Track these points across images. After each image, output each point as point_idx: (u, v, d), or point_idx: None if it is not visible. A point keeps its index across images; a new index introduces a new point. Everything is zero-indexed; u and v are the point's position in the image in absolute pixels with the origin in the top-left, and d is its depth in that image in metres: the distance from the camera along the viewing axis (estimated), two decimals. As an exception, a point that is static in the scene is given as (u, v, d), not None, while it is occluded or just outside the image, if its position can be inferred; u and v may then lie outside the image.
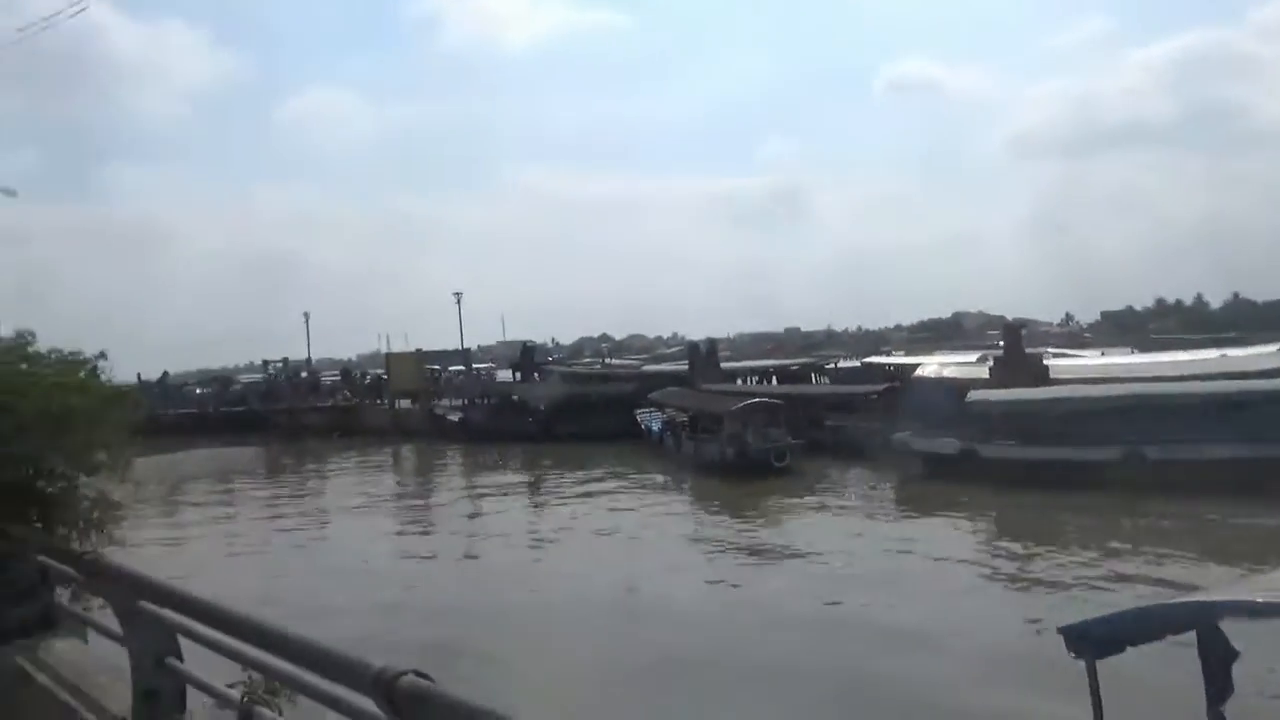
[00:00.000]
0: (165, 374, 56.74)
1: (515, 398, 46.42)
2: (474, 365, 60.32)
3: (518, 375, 51.49)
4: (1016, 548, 18.67)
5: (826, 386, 39.17)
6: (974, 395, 26.36)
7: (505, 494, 28.38)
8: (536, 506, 26.19)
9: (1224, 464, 21.46)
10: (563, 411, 41.16)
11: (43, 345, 6.17)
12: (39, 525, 5.37)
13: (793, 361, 53.47)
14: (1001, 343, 33.84)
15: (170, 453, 38.82)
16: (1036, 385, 26.83)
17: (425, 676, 2.13)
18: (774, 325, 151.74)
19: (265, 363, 62.16)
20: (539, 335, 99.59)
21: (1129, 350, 46.95)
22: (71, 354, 6.05)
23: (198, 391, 56.89)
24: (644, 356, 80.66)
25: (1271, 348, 35.81)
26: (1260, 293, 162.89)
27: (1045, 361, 30.07)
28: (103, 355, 6.11)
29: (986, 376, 28.54)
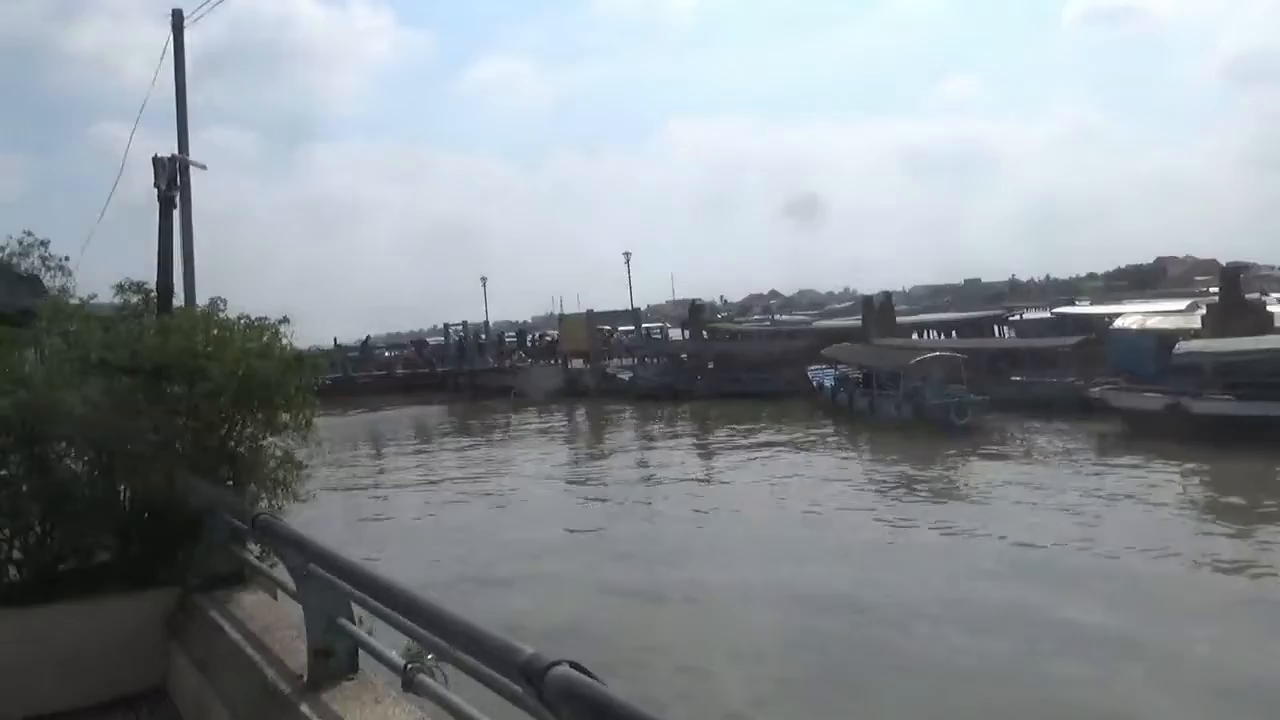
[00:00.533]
0: (367, 338, 60.38)
1: (685, 356, 46.52)
2: (644, 325, 60.86)
3: (687, 334, 51.57)
4: (1240, 512, 16.92)
5: (1012, 340, 36.95)
6: (1183, 346, 24.06)
7: (678, 450, 28.46)
8: (711, 468, 25.79)
9: None
10: (733, 368, 40.91)
11: (233, 312, 6.45)
12: (230, 483, 5.62)
13: (973, 314, 50.83)
14: (1214, 289, 30.75)
15: (369, 411, 41.75)
16: (1258, 335, 24.14)
17: (579, 668, 1.96)
18: (953, 277, 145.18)
19: (446, 326, 64.95)
20: (707, 294, 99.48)
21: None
22: (257, 320, 6.28)
23: (387, 354, 60.25)
24: (814, 312, 78.92)
25: None
26: None
27: (1270, 309, 27.01)
28: (285, 320, 6.31)
29: (1198, 326, 25.98)
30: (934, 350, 31.44)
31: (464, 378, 52.24)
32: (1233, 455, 20.05)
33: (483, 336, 62.24)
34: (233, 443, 5.85)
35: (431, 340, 64.96)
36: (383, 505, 22.45)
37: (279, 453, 5.98)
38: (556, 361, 53.86)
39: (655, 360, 47.60)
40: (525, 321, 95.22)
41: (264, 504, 5.50)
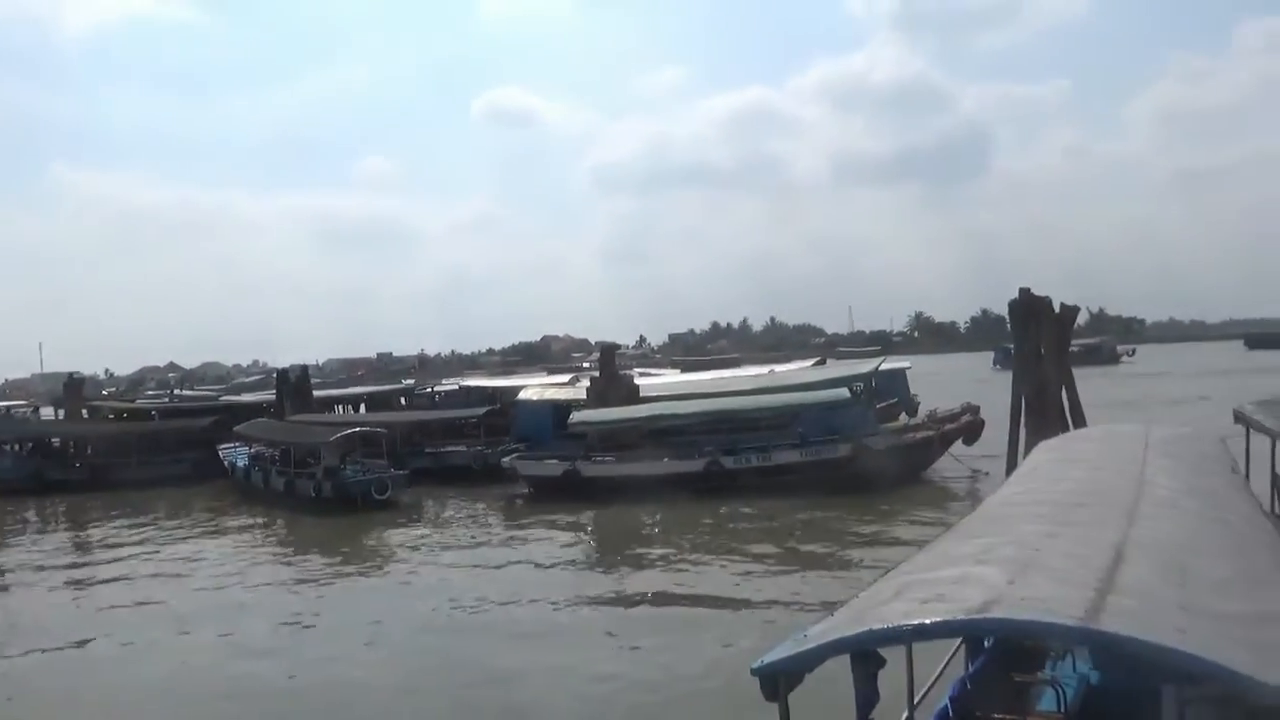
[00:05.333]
0: None
1: (57, 440, 39.30)
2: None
3: (63, 413, 43.82)
4: (608, 556, 19.75)
5: (427, 412, 38.36)
6: (576, 415, 27.31)
7: (39, 554, 23.48)
8: (83, 578, 21.32)
9: (784, 467, 24.56)
10: (122, 453, 35.64)
11: None
12: None
13: (388, 387, 52.01)
14: (586, 364, 35.66)
15: None
16: (629, 403, 28.49)
17: None
18: (367, 351, 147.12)
19: None
20: (87, 366, 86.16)
21: (677, 370, 52.11)
22: None
23: None
24: (221, 387, 73.50)
25: (808, 363, 42.07)
26: (790, 317, 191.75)
27: (635, 381, 32.06)
28: None
29: (584, 397, 29.74)
30: (353, 425, 31.12)
31: None
32: (614, 508, 23.26)
33: None
34: None
35: None
36: None
37: None
38: None
39: (16, 447, 39.26)
40: None
41: None
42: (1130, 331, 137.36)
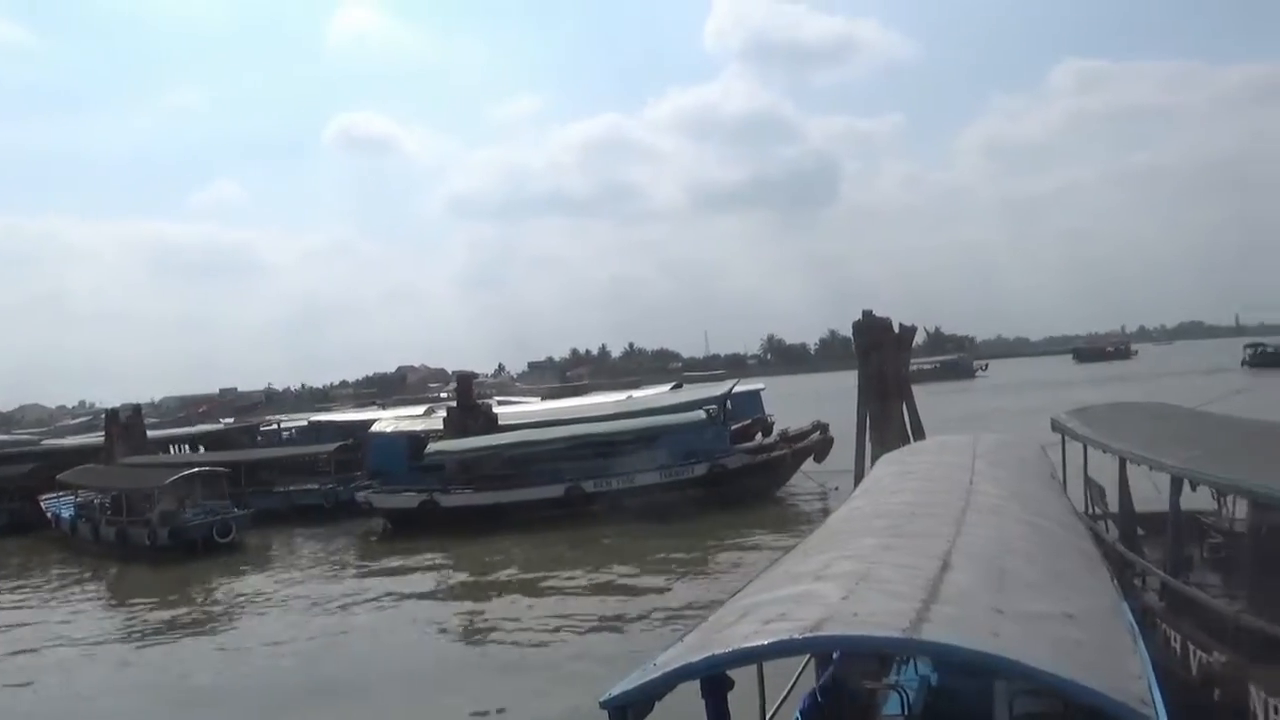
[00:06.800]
0: None
1: None
2: None
3: None
4: (465, 590, 19.23)
5: (274, 449, 36.62)
6: (432, 447, 26.73)
7: None
8: None
9: (645, 489, 24.79)
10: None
11: None
12: None
13: (232, 425, 49.42)
14: (444, 394, 35.03)
15: None
16: (487, 433, 28.11)
17: None
18: (208, 386, 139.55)
19: None
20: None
21: (537, 398, 51.97)
22: None
23: None
24: (42, 430, 68.04)
25: (665, 388, 42.68)
26: (648, 343, 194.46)
27: (494, 410, 31.70)
28: None
29: (440, 428, 29.15)
30: (192, 466, 29.35)
31: None
32: (474, 540, 22.82)
33: None
34: None
35: None
36: None
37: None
38: None
39: None
40: None
41: None
42: (963, 349, 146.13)
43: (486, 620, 16.34)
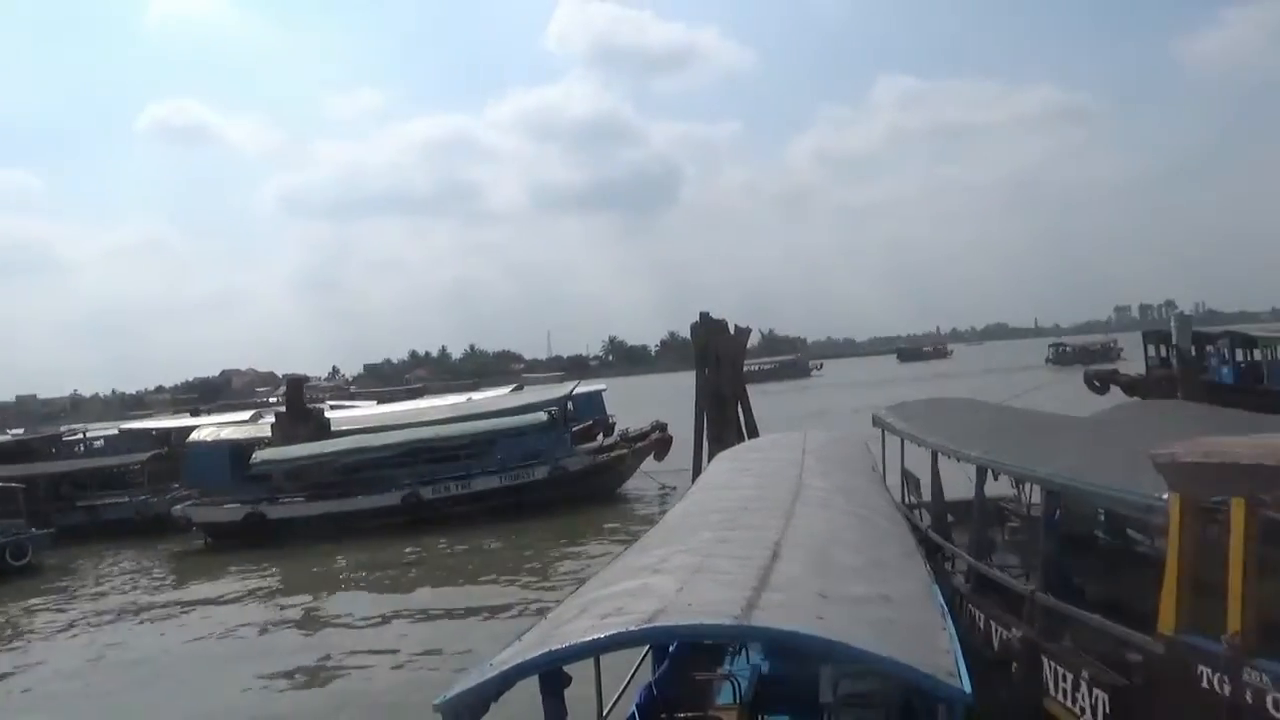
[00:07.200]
0: None
1: None
2: None
3: None
4: (292, 607, 17.89)
5: (79, 460, 33.80)
6: (258, 455, 25.40)
7: None
8: None
9: (485, 494, 24.50)
10: None
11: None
12: None
13: (28, 435, 45.21)
14: (273, 399, 33.39)
15: None
16: (319, 439, 26.99)
17: None
18: (2, 394, 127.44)
19: None
20: None
21: (373, 402, 50.36)
22: None
23: None
24: None
25: (506, 390, 42.33)
26: (490, 345, 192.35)
27: (326, 415, 30.48)
28: None
29: (269, 435, 27.75)
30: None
31: None
32: (304, 553, 21.83)
33: None
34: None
35: None
36: None
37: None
38: None
39: None
40: None
41: None
42: (795, 350, 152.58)
43: (315, 641, 15.40)
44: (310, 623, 16.78)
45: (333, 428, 28.45)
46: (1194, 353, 28.26)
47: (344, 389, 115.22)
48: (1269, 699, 4.74)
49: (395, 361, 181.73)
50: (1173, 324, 30.02)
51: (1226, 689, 4.99)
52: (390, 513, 23.80)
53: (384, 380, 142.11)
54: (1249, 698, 4.85)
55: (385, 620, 15.88)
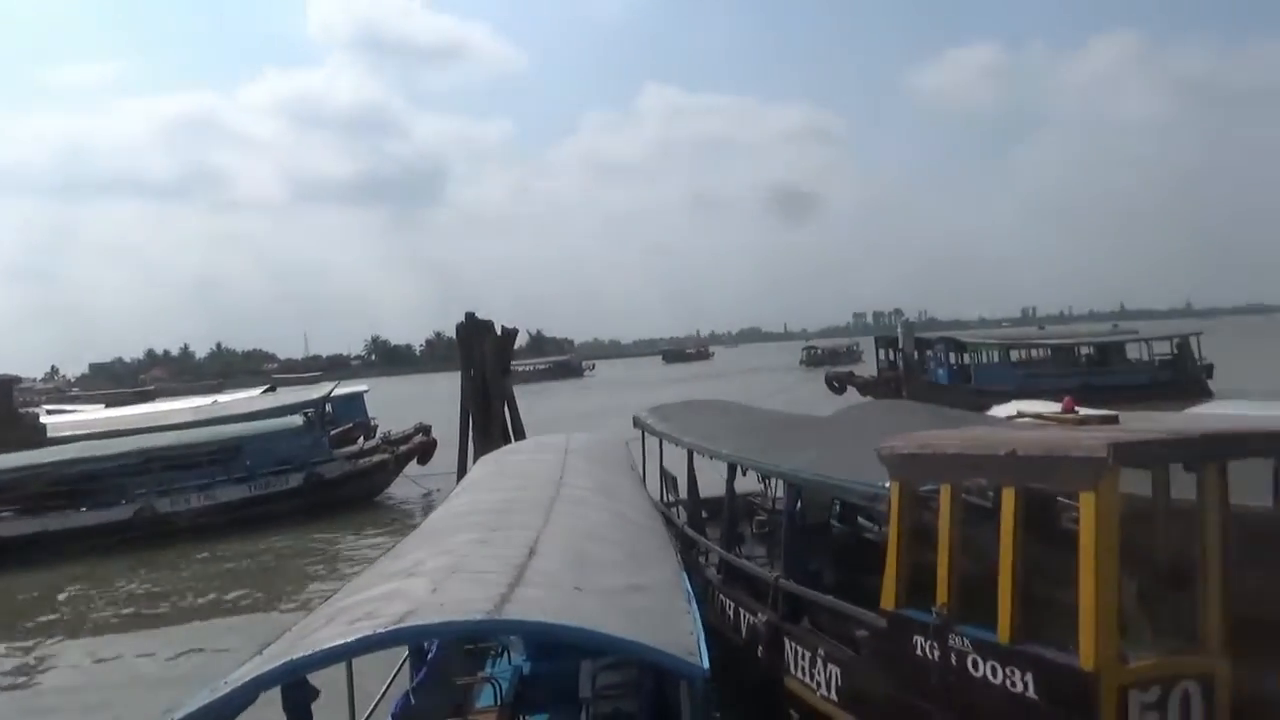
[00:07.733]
0: None
1: None
2: None
3: None
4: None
5: None
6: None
7: None
8: None
9: (231, 505, 22.84)
10: None
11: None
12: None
13: None
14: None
15: None
16: (32, 447, 24.05)
17: None
18: None
19: None
20: None
21: (102, 406, 45.87)
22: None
23: None
24: None
25: (255, 391, 39.71)
26: (240, 343, 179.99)
27: (42, 420, 27.25)
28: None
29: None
30: None
31: None
32: (14, 575, 19.33)
33: None
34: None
35: None
36: None
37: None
38: None
39: None
40: None
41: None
42: (563, 351, 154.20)
43: (19, 684, 13.73)
44: (13, 657, 14.90)
45: (50, 435, 25.46)
46: (916, 356, 31.43)
47: (64, 391, 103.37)
48: (969, 660, 5.36)
49: (129, 360, 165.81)
50: (899, 330, 33.28)
51: (936, 654, 5.59)
52: (121, 528, 21.60)
53: (116, 381, 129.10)
54: (953, 660, 5.46)
55: (111, 662, 14.16)
